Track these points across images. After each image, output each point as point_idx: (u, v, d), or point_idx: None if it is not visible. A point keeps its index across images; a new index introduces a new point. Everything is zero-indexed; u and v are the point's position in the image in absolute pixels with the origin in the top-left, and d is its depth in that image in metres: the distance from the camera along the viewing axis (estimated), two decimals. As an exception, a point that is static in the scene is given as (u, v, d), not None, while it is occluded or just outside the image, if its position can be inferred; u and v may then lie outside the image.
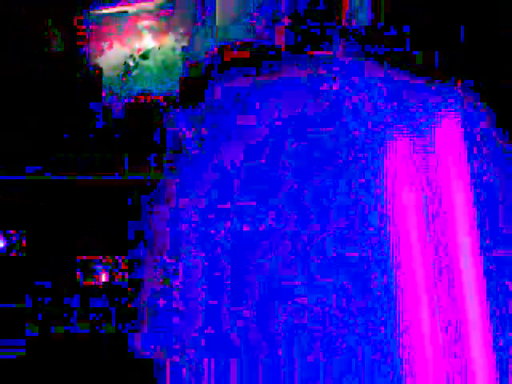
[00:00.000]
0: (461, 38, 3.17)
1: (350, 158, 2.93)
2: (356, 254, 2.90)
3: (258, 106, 2.98)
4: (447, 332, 2.85)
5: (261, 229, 2.97)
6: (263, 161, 2.97)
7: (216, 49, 3.07)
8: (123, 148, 3.36)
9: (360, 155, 2.93)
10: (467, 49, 3.15)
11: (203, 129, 2.96)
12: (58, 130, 3.35)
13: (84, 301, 3.30)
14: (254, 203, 2.98)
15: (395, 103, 2.96)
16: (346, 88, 3.01)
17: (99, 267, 3.28)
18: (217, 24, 3.23)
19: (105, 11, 3.34)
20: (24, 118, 3.35)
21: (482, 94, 3.02)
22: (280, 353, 2.88)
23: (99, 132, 3.36)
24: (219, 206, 2.98)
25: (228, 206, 3.00)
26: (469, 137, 2.92)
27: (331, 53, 3.04)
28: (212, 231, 2.98)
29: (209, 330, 2.94)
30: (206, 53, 3.16)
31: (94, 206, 3.33)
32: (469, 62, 3.14)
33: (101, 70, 3.37)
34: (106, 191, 3.34)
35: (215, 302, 3.00)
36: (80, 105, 3.37)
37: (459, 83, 2.97)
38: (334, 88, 3.00)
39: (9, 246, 3.31)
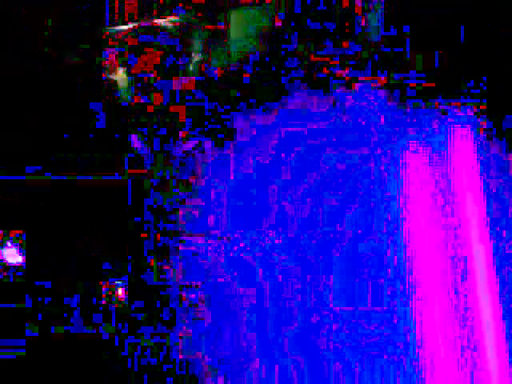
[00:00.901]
0: (461, 38, 3.17)
1: (369, 168, 2.95)
2: (374, 257, 2.92)
3: (275, 121, 3.01)
4: (462, 331, 2.86)
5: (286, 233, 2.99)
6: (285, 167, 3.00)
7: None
8: (123, 148, 3.36)
9: (379, 165, 2.95)
10: (467, 49, 3.15)
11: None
12: (58, 130, 3.35)
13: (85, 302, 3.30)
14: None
15: (410, 116, 2.98)
16: (367, 104, 3.02)
17: (119, 282, 3.28)
18: (231, 39, 3.25)
19: (122, 27, 3.35)
20: (24, 118, 3.34)
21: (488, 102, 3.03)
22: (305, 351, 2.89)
23: (99, 132, 3.36)
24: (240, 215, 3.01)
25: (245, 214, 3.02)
26: (480, 146, 2.94)
27: (347, 69, 3.05)
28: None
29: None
30: (222, 68, 3.18)
31: (93, 206, 3.33)
32: (469, 63, 3.14)
33: (101, 71, 3.37)
34: (106, 191, 3.33)
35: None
36: (80, 105, 3.37)
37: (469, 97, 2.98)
38: (354, 102, 3.02)
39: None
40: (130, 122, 3.34)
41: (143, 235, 3.28)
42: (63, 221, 3.32)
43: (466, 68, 3.15)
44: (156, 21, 3.34)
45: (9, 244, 3.29)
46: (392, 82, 3.16)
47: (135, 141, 3.23)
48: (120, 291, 3.26)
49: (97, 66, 3.38)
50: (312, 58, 3.24)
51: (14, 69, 3.35)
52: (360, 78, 3.12)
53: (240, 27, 3.26)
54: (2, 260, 3.27)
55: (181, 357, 3.17)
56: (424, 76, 3.17)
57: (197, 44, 3.32)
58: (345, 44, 3.21)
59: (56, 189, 3.32)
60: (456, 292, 2.89)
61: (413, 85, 3.13)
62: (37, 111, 3.35)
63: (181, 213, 3.24)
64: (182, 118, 3.33)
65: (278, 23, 3.22)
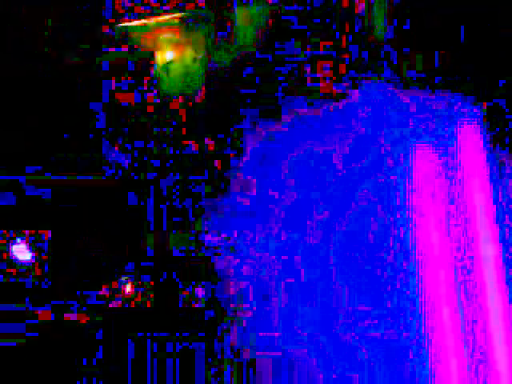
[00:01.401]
0: (461, 38, 3.17)
1: (378, 166, 2.96)
2: (382, 257, 2.93)
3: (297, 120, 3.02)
4: (470, 334, 2.86)
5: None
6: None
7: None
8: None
9: (388, 164, 2.96)
10: (467, 49, 3.16)
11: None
12: (58, 130, 3.35)
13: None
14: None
15: (419, 116, 2.98)
16: (376, 104, 3.03)
17: (124, 277, 3.28)
18: (237, 35, 3.25)
19: (126, 24, 3.35)
20: (24, 118, 3.34)
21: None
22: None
23: (99, 132, 3.36)
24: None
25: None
26: (483, 146, 2.94)
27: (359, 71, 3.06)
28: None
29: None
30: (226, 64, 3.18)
31: (94, 206, 3.33)
32: (469, 62, 3.14)
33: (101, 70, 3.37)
34: (106, 191, 3.33)
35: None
36: (80, 105, 3.37)
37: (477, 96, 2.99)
38: (362, 103, 3.03)
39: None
40: (130, 122, 3.35)
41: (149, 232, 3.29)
42: (63, 221, 3.32)
43: (466, 68, 3.15)
44: (161, 17, 3.34)
45: (18, 240, 3.29)
46: (393, 81, 3.16)
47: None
48: (128, 287, 3.27)
49: (97, 66, 3.38)
50: (315, 56, 3.24)
51: (14, 69, 3.35)
52: (363, 77, 3.13)
53: (245, 24, 3.26)
54: (11, 257, 3.28)
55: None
56: (424, 76, 3.17)
57: (201, 40, 3.32)
58: (346, 42, 3.21)
59: (56, 189, 3.32)
60: (465, 292, 2.90)
61: (413, 84, 3.13)
62: (37, 111, 3.35)
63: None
64: (185, 118, 3.33)
65: (279, 22, 3.22)
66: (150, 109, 3.36)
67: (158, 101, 3.34)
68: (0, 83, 3.34)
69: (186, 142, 3.31)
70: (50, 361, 3.24)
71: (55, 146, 3.34)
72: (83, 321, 3.26)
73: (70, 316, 3.27)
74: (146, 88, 3.37)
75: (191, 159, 3.29)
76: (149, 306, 3.27)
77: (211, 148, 3.28)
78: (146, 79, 3.37)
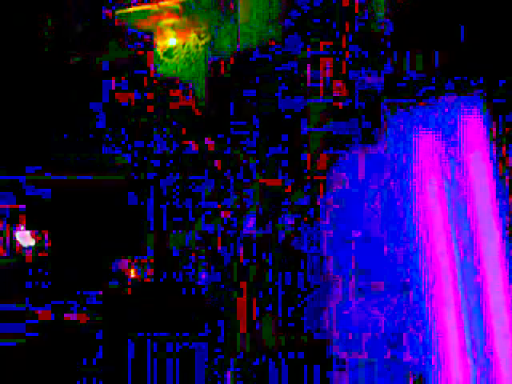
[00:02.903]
0: (461, 37, 3.17)
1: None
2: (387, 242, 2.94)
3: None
4: (473, 322, 2.87)
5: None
6: None
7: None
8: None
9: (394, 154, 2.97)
10: (467, 48, 3.16)
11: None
12: (58, 130, 3.35)
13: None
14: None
15: (422, 103, 2.99)
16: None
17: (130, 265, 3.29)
18: (240, 21, 3.24)
19: (128, 10, 3.35)
20: (24, 118, 3.35)
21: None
22: None
23: (99, 132, 3.36)
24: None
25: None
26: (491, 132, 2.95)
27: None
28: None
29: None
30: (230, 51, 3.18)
31: (94, 206, 3.33)
32: (469, 61, 3.15)
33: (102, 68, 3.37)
34: (106, 191, 3.34)
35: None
36: (80, 105, 3.37)
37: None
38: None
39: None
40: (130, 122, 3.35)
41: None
42: (63, 221, 3.32)
43: (465, 67, 3.15)
44: (163, 2, 3.33)
45: (22, 227, 3.29)
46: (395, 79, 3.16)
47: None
48: (132, 272, 3.27)
49: (97, 66, 3.38)
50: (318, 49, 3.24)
51: (14, 69, 3.36)
52: (363, 72, 3.13)
53: (248, 11, 3.25)
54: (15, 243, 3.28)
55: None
56: (424, 75, 3.17)
57: (205, 26, 3.31)
58: (346, 42, 3.22)
59: (56, 189, 3.32)
60: (468, 286, 2.90)
61: (413, 83, 3.14)
62: (37, 111, 3.35)
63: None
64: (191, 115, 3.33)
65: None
66: (150, 109, 3.36)
67: (159, 95, 3.34)
68: (0, 83, 3.34)
69: (185, 142, 3.31)
70: (50, 361, 3.24)
71: (55, 146, 3.35)
72: (83, 321, 3.26)
73: (70, 316, 3.27)
74: (146, 87, 3.37)
75: (191, 159, 3.29)
76: (149, 303, 3.28)
77: (211, 148, 3.28)
78: (145, 78, 3.37)
